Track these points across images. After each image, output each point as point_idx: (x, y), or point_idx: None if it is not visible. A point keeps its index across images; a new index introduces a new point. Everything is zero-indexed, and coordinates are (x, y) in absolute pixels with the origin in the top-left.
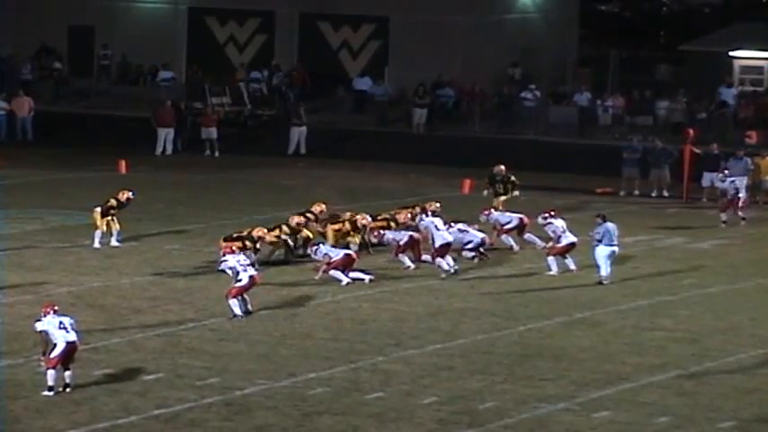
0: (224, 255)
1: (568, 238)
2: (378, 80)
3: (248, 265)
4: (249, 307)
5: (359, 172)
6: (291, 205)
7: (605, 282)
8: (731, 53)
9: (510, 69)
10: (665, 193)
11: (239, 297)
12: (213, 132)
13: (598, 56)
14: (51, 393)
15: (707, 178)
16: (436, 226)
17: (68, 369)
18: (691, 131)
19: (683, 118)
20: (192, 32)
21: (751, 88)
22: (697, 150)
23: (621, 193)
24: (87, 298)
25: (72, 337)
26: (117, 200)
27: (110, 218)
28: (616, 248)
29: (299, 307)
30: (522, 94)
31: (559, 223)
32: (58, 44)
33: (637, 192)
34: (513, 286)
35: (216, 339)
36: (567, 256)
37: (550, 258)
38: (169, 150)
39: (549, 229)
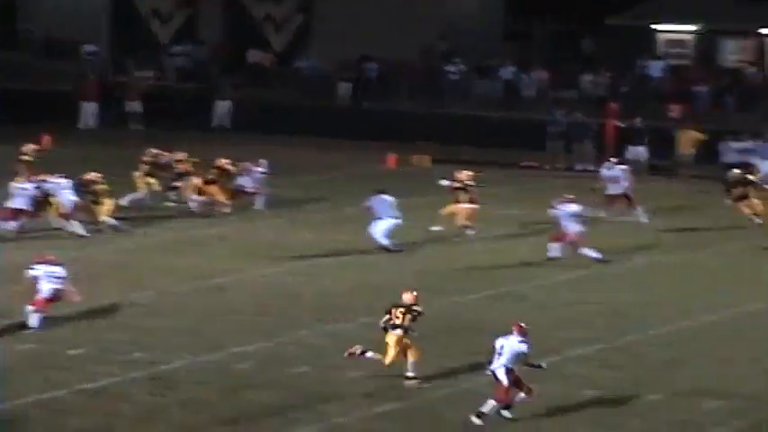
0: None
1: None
2: (303, 54)
3: (60, 278)
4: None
5: (284, 146)
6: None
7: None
8: (655, 27)
9: (436, 43)
10: (590, 167)
11: (40, 309)
12: (137, 106)
13: (524, 30)
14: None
15: (630, 151)
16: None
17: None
18: (613, 105)
19: (606, 92)
20: (115, 6)
21: (675, 62)
22: (620, 124)
23: (546, 167)
24: (10, 274)
25: (59, 285)
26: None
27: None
28: (398, 221)
29: (225, 282)
30: (448, 68)
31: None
32: None
33: (561, 165)
34: (437, 260)
35: (142, 314)
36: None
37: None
38: (92, 124)
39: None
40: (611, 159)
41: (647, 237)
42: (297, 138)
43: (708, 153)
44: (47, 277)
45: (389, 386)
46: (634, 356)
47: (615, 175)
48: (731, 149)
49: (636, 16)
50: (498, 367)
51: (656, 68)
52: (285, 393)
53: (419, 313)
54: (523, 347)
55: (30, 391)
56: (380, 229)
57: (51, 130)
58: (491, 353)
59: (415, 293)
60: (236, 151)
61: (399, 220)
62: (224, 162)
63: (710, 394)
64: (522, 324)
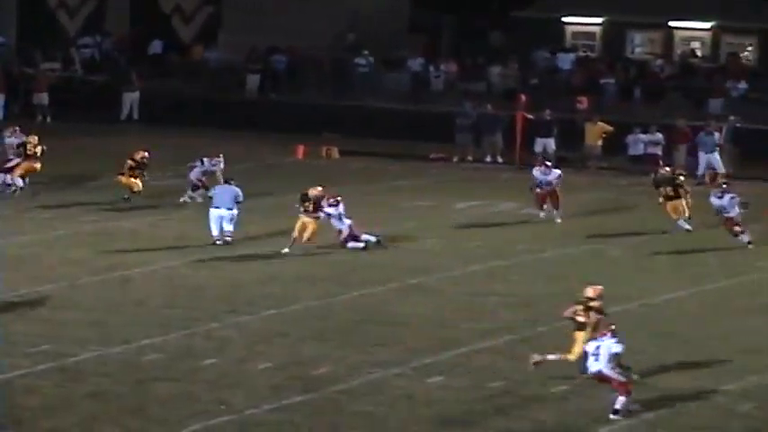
0: None
1: None
2: (211, 46)
3: None
4: None
5: (193, 138)
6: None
7: (225, 240)
8: (563, 19)
9: (344, 35)
10: (499, 159)
11: None
12: (45, 98)
13: (431, 22)
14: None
15: (539, 144)
16: None
17: None
18: (523, 97)
19: (515, 84)
20: None
21: (583, 54)
22: (529, 116)
23: (455, 159)
24: None
25: None
26: (134, 160)
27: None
28: (233, 212)
29: (133, 274)
30: (356, 60)
31: None
32: None
33: (470, 158)
34: (345, 253)
35: (48, 306)
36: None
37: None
38: (0, 116)
39: None
40: (547, 164)
41: (554, 229)
42: (206, 129)
43: (615, 145)
44: None
45: (297, 378)
46: (541, 348)
47: (549, 179)
48: (639, 141)
49: (543, 8)
50: (601, 368)
51: (564, 61)
52: (193, 385)
53: (599, 309)
54: (619, 348)
55: None
56: (213, 217)
57: None
58: (583, 359)
59: (599, 288)
60: (145, 143)
61: (234, 212)
62: (140, 155)
63: None
64: (613, 326)
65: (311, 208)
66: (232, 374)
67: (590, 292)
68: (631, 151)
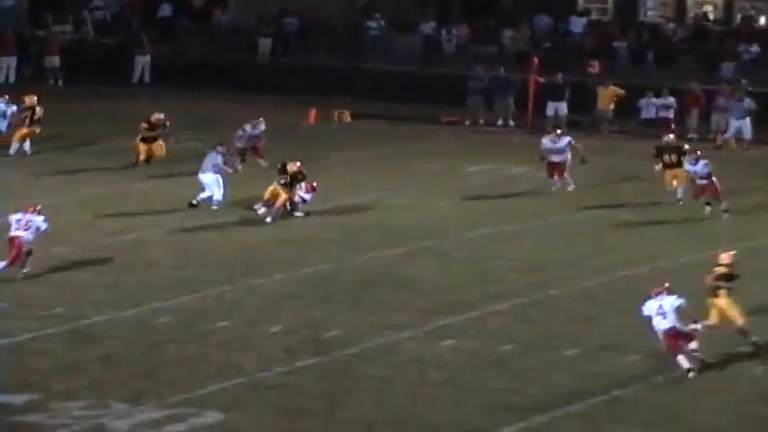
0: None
1: None
2: (223, 9)
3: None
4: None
5: (205, 101)
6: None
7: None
8: None
9: None
10: (510, 123)
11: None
12: (56, 61)
13: None
14: None
15: (551, 107)
16: None
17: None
18: (535, 60)
19: (527, 47)
20: None
21: (596, 17)
22: (541, 79)
23: (466, 123)
24: None
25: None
26: (149, 122)
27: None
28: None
29: (146, 236)
30: (368, 23)
31: None
32: None
33: (482, 121)
34: (354, 216)
35: (61, 269)
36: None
37: None
38: (12, 79)
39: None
40: (558, 131)
41: (567, 192)
42: (218, 93)
43: (628, 109)
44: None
45: (308, 341)
46: (552, 311)
47: (560, 147)
48: (651, 105)
49: None
50: (673, 324)
51: (577, 24)
52: (205, 348)
53: (732, 275)
54: (681, 301)
55: None
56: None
57: None
58: (649, 319)
59: (732, 252)
60: (156, 106)
61: (218, 177)
62: (155, 116)
63: (628, 349)
64: (666, 283)
65: (286, 181)
66: (243, 337)
67: (725, 258)
68: (644, 115)
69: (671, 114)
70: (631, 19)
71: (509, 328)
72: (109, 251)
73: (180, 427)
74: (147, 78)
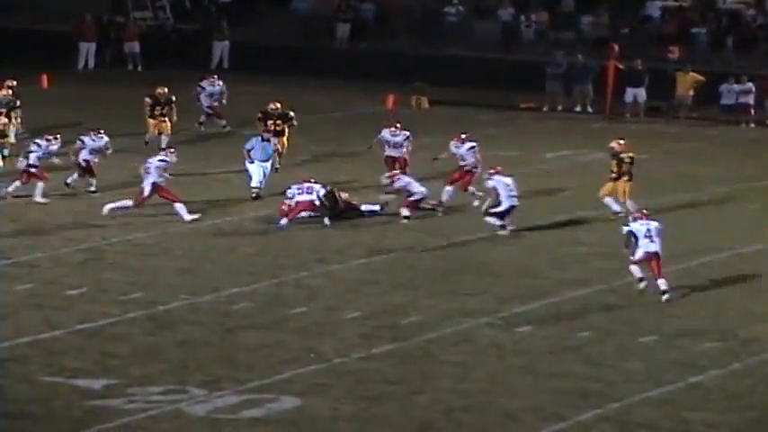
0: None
1: (511, 200)
2: None
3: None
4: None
5: (284, 87)
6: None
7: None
8: None
9: None
10: (589, 109)
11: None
12: (136, 47)
13: None
14: None
15: (629, 94)
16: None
17: None
18: (615, 46)
19: (605, 33)
20: None
21: (675, 3)
22: (620, 65)
23: (545, 109)
24: (10, 212)
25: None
26: (154, 96)
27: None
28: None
29: (223, 222)
30: (446, 9)
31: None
32: None
33: (560, 107)
34: (433, 201)
35: (139, 254)
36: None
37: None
38: (91, 65)
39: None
40: (462, 136)
41: (646, 177)
42: (296, 78)
43: (707, 96)
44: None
45: (386, 327)
46: (629, 298)
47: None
48: (732, 91)
49: None
50: (658, 249)
51: (655, 9)
52: (282, 334)
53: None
54: (662, 227)
55: (28, 330)
56: (255, 173)
57: (49, 69)
58: (632, 243)
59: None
60: (235, 92)
61: (267, 166)
62: (159, 90)
63: (706, 336)
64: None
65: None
66: (321, 323)
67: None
68: (724, 101)
69: (751, 100)
70: (710, 4)
71: (587, 315)
72: (188, 237)
73: (257, 413)
74: (225, 64)
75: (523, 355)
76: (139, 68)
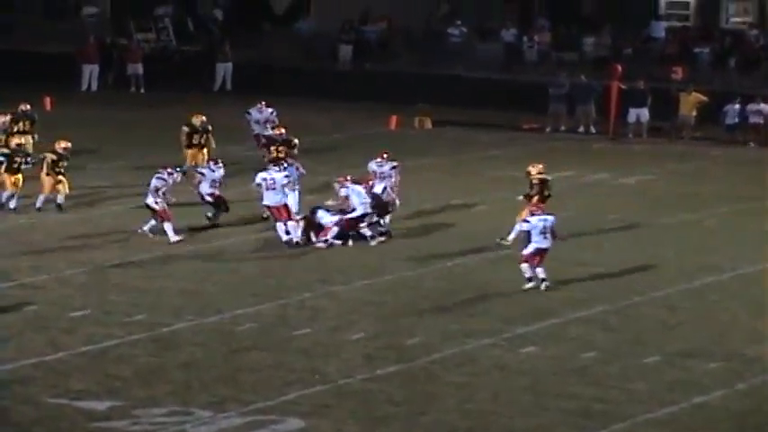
0: None
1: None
2: (304, 16)
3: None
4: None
5: (286, 108)
6: (228, 141)
7: None
8: None
9: (439, 4)
10: (592, 129)
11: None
12: (139, 68)
13: None
14: None
15: (632, 114)
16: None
17: None
18: (618, 67)
19: (608, 53)
20: None
21: (678, 23)
22: (623, 86)
23: (548, 129)
24: (14, 235)
25: None
26: (55, 152)
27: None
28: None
29: (226, 244)
30: (449, 30)
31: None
32: None
33: (563, 127)
34: (437, 222)
35: (143, 276)
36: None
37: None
38: (94, 87)
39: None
40: (385, 155)
41: (649, 197)
42: (299, 99)
43: (710, 116)
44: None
45: (390, 348)
46: (633, 318)
47: (383, 171)
48: (736, 112)
49: None
50: (549, 245)
51: (658, 30)
52: (286, 355)
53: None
54: (552, 218)
55: (32, 352)
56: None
57: (52, 91)
58: (527, 238)
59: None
60: (237, 112)
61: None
62: (62, 145)
63: (710, 356)
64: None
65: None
66: (325, 344)
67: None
68: (728, 121)
69: (761, 120)
70: (713, 25)
71: (591, 336)
72: (191, 258)
73: None
74: (228, 86)
75: (528, 375)
76: (142, 90)
